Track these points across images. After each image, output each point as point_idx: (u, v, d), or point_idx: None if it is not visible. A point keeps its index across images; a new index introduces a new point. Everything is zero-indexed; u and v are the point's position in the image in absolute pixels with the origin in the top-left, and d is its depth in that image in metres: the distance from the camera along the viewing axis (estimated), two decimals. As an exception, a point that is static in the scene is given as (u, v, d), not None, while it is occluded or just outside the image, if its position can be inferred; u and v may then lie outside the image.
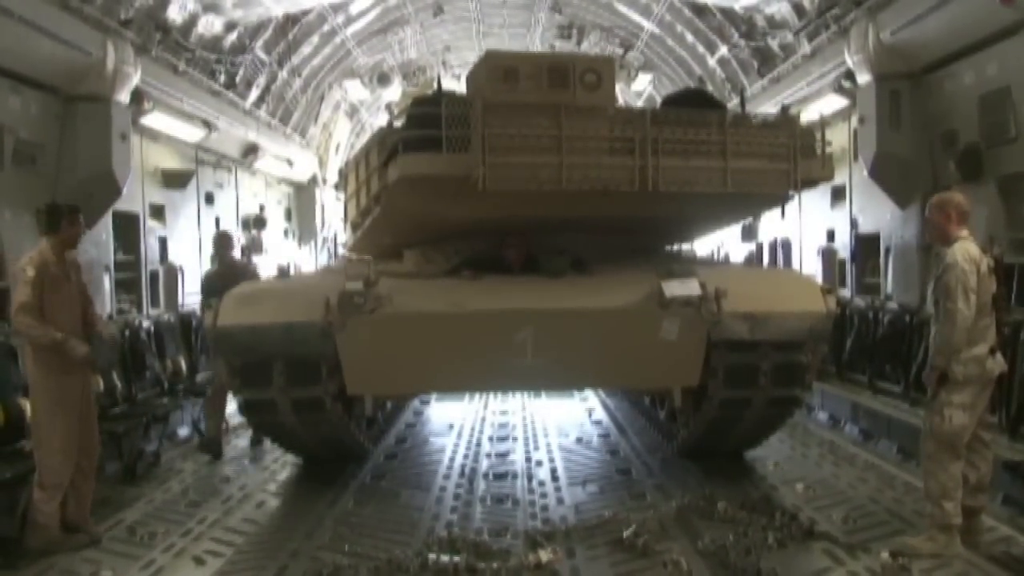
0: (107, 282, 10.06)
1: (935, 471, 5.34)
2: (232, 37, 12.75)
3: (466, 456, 8.41)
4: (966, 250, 5.29)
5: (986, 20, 7.93)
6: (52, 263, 5.80)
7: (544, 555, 5.38)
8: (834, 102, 11.12)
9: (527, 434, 9.34)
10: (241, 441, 9.14)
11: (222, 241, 9.26)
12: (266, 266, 15.33)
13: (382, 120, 16.24)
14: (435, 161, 6.25)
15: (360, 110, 21.04)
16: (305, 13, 14.11)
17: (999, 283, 5.50)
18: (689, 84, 15.53)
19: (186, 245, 12.45)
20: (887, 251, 10.48)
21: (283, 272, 8.54)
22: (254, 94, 14.61)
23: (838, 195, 11.74)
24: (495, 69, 6.78)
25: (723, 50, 14.57)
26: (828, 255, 12.14)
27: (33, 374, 5.82)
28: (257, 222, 15.88)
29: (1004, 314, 5.67)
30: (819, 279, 10.30)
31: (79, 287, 6.09)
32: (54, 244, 5.89)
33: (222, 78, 13.08)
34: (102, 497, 6.83)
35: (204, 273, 10.26)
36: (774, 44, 13.00)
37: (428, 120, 6.31)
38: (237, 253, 11.04)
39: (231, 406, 8.88)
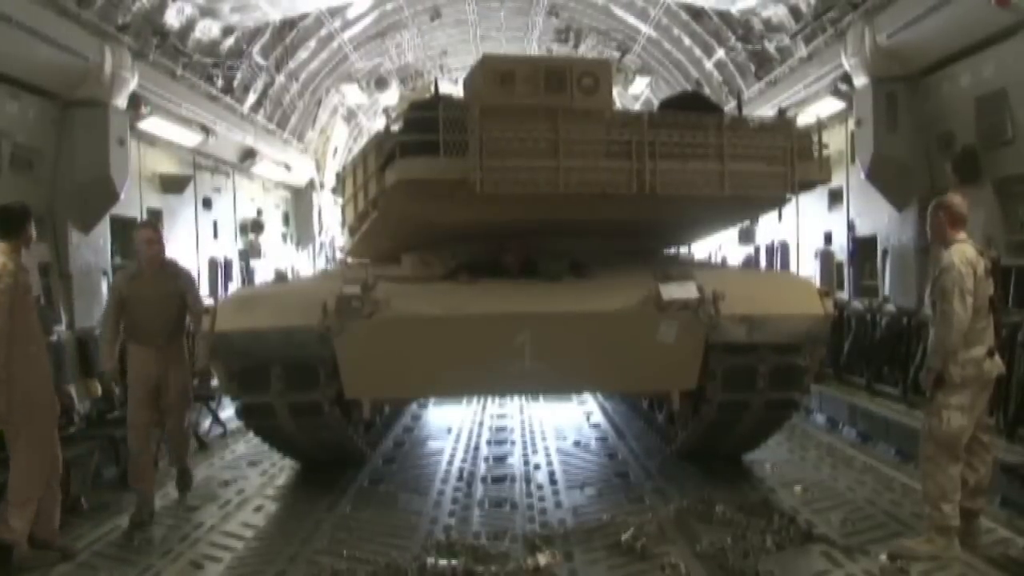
0: (105, 287, 10.05)
1: (933, 473, 5.34)
2: (229, 42, 12.75)
3: (464, 460, 8.40)
4: (963, 252, 5.30)
5: (982, 22, 7.93)
6: (12, 271, 5.48)
7: (542, 558, 5.37)
8: (831, 105, 11.13)
9: (525, 438, 9.34)
10: (239, 446, 9.12)
11: (138, 235, 7.13)
12: (264, 270, 15.41)
13: (379, 124, 16.22)
14: (432, 165, 6.26)
15: (357, 114, 21.05)
16: (302, 18, 14.11)
17: (996, 285, 5.51)
18: (686, 87, 15.55)
19: (183, 250, 12.43)
20: (884, 253, 10.49)
21: (281, 276, 8.46)
22: (251, 98, 14.61)
23: (835, 198, 11.75)
24: (492, 73, 6.79)
25: (720, 53, 14.59)
26: (826, 258, 12.15)
27: None
28: (255, 226, 15.87)
29: (1001, 316, 5.66)
30: (817, 282, 10.33)
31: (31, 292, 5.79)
32: (15, 248, 5.57)
33: (220, 83, 13.08)
34: (100, 502, 6.83)
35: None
36: (771, 47, 13.02)
37: (425, 124, 6.33)
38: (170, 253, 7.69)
39: (228, 410, 8.87)
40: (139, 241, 6.94)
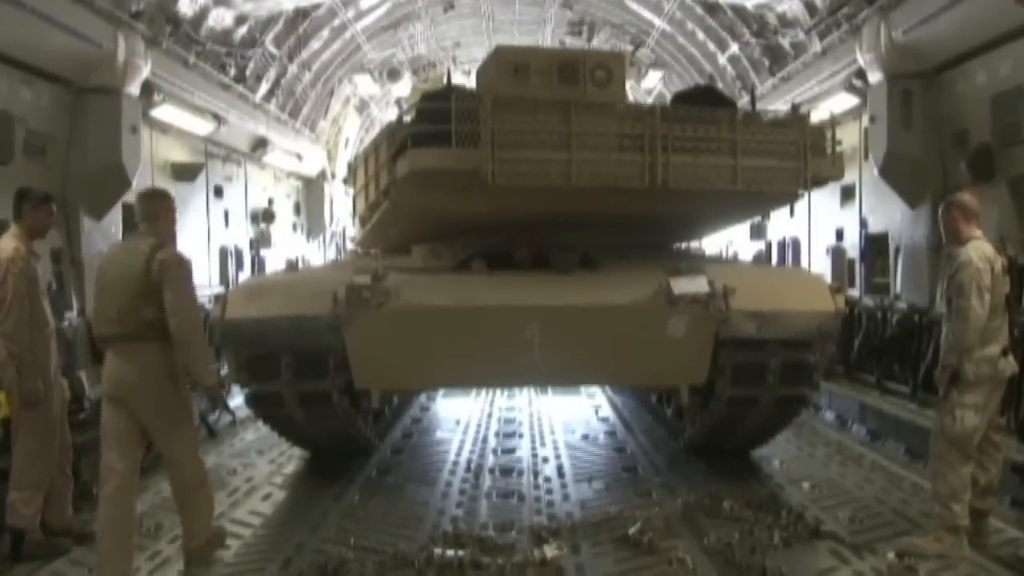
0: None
1: (944, 472, 5.31)
2: (242, 31, 12.76)
3: (472, 451, 8.41)
4: (981, 249, 5.26)
5: (999, 19, 7.88)
6: (24, 255, 5.40)
7: (549, 551, 5.37)
8: (845, 101, 11.07)
9: (533, 430, 9.33)
10: (248, 434, 9.15)
11: (168, 202, 5.37)
12: (275, 260, 15.45)
13: (391, 115, 16.23)
14: (444, 156, 6.25)
15: (370, 105, 21.05)
16: (315, 7, 14.11)
17: (1012, 284, 5.47)
18: (699, 82, 15.49)
19: (195, 238, 12.47)
20: (897, 251, 10.44)
21: (292, 266, 8.46)
22: (264, 88, 14.63)
23: (848, 194, 11.70)
24: (505, 64, 6.77)
25: (734, 48, 14.53)
26: (837, 254, 12.11)
27: (7, 371, 5.47)
28: (266, 216, 15.91)
29: (1014, 315, 5.63)
30: (828, 278, 10.28)
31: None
32: (25, 233, 5.50)
33: (232, 72, 13.10)
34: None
35: None
36: (785, 42, 12.96)
37: (438, 115, 6.31)
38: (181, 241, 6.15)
39: (237, 398, 8.89)
40: (171, 209, 5.31)
